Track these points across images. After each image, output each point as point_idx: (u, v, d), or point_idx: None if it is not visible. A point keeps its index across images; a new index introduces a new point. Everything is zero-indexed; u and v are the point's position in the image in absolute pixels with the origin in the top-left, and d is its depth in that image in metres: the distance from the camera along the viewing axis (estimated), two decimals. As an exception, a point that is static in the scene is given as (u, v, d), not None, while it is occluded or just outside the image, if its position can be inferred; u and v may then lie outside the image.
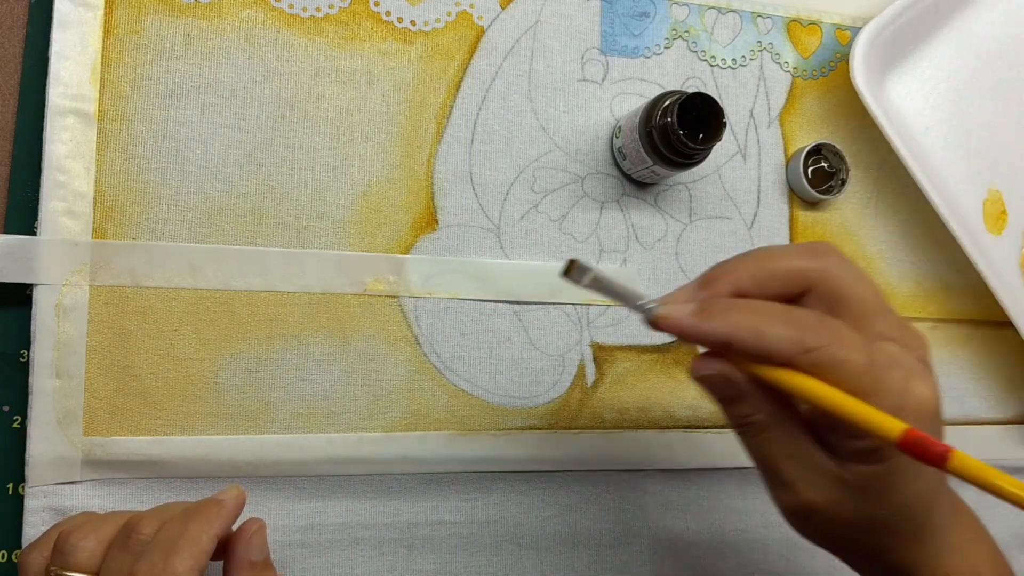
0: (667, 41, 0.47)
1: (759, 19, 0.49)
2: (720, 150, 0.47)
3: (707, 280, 0.28)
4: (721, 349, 0.27)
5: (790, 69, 0.49)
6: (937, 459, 0.24)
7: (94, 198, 0.38)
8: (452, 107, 0.44)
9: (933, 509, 0.29)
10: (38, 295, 0.37)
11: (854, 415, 0.25)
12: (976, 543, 0.31)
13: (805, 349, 0.25)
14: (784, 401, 0.28)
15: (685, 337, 0.27)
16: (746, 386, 0.27)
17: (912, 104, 0.50)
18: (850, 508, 0.28)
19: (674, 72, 0.47)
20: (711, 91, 0.47)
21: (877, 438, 0.25)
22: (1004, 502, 0.25)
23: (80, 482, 0.37)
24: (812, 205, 0.49)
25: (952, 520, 0.30)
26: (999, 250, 0.50)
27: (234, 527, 0.34)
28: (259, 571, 0.33)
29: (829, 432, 0.28)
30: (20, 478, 0.37)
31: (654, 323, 0.28)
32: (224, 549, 0.33)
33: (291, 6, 0.42)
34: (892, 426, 0.24)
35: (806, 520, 0.29)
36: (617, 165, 0.46)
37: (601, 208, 0.45)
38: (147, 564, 0.29)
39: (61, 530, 0.31)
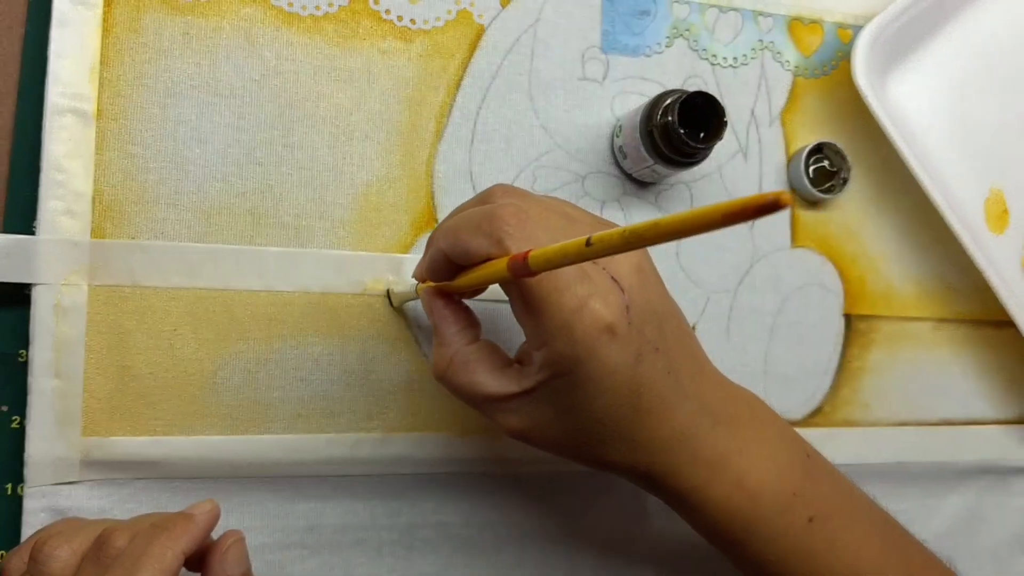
0: (668, 40, 0.47)
1: (760, 17, 0.49)
2: (721, 149, 0.47)
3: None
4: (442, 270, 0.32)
5: (791, 68, 0.49)
6: (524, 268, 0.26)
7: (93, 197, 0.38)
8: (452, 106, 0.43)
9: (644, 422, 0.31)
10: (37, 295, 0.37)
11: (483, 278, 0.29)
12: (746, 457, 0.32)
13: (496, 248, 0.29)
14: (489, 343, 0.33)
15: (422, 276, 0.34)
16: (453, 311, 0.33)
17: (914, 103, 0.50)
18: (553, 426, 0.31)
19: (675, 71, 0.47)
20: (712, 90, 0.47)
21: (509, 290, 0.30)
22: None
23: (79, 482, 0.37)
24: (813, 204, 0.49)
25: (710, 435, 0.32)
26: (1001, 249, 0.50)
27: (216, 534, 0.33)
28: None
29: (523, 360, 0.31)
30: (19, 478, 0.37)
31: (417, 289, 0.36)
32: (202, 562, 0.33)
33: (290, 4, 0.41)
34: (503, 265, 0.27)
35: (526, 442, 0.32)
36: (618, 164, 0.46)
37: (602, 207, 0.45)
38: None
39: (38, 538, 0.31)
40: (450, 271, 0.31)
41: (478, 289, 0.32)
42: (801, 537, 0.33)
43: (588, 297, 0.28)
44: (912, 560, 0.35)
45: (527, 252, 0.25)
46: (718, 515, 0.33)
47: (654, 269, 0.32)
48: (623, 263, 0.30)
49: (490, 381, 0.31)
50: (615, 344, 0.29)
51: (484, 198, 0.33)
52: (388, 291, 0.41)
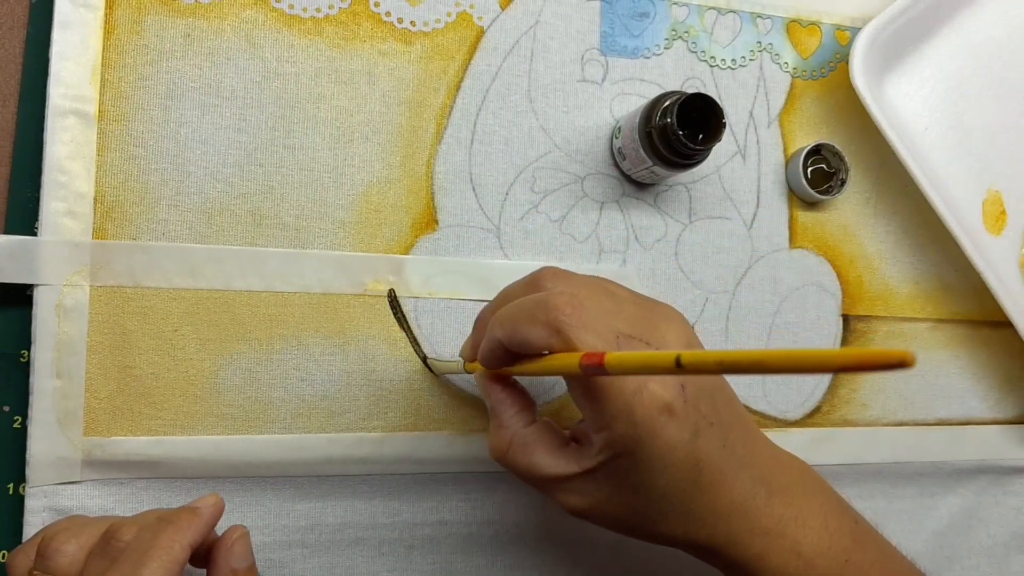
0: (667, 41, 0.47)
1: (759, 19, 0.49)
2: (720, 150, 0.47)
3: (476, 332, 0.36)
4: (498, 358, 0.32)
5: (790, 69, 0.49)
6: (600, 367, 0.26)
7: (94, 198, 0.38)
8: (452, 107, 0.44)
9: (703, 495, 0.31)
10: (39, 295, 0.37)
11: (549, 370, 0.30)
12: (801, 525, 0.33)
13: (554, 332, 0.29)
14: (546, 423, 0.33)
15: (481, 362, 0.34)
16: (513, 395, 0.34)
17: (911, 104, 0.50)
18: (615, 505, 0.31)
19: (674, 72, 0.47)
20: (711, 91, 0.47)
21: (569, 376, 0.30)
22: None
23: (80, 482, 0.37)
24: (811, 205, 0.49)
25: (767, 505, 0.32)
26: (998, 250, 0.50)
27: (219, 532, 0.34)
28: None
29: (581, 439, 0.32)
30: (21, 478, 0.37)
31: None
32: (207, 557, 0.33)
33: (291, 7, 0.42)
34: (573, 360, 0.27)
35: (587, 520, 0.33)
36: (617, 165, 0.46)
37: (601, 208, 0.45)
38: (117, 573, 0.29)
39: (44, 534, 0.31)
40: (506, 358, 0.32)
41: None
42: None
43: (646, 379, 0.29)
44: None
45: (603, 355, 0.26)
46: None
47: (701, 344, 0.33)
48: (672, 343, 0.31)
49: (550, 462, 0.32)
50: (674, 422, 0.29)
51: (532, 284, 0.33)
52: (426, 359, 0.42)
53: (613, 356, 0.25)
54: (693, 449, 0.30)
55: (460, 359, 0.38)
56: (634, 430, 0.29)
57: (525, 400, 0.34)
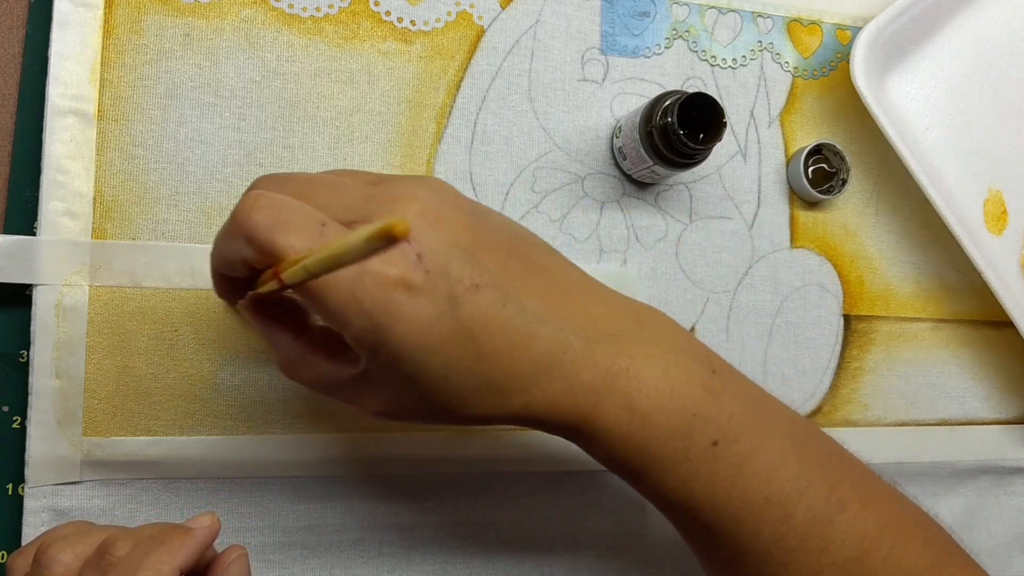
0: (667, 41, 0.47)
1: (759, 19, 0.49)
2: (720, 150, 0.47)
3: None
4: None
5: (790, 69, 0.49)
6: (283, 284, 0.25)
7: (94, 198, 0.38)
8: (452, 107, 0.44)
9: (495, 364, 0.28)
10: (38, 295, 0.37)
11: (266, 292, 0.27)
12: (633, 377, 0.29)
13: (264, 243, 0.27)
14: (320, 330, 0.30)
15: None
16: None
17: (913, 104, 0.50)
18: (407, 400, 0.28)
19: (674, 72, 0.47)
20: (711, 91, 0.47)
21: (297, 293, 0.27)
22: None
23: (80, 483, 0.37)
24: (812, 205, 0.49)
25: (585, 357, 0.29)
26: (999, 250, 0.50)
27: (220, 549, 0.33)
28: None
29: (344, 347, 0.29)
30: (20, 478, 0.37)
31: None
32: (204, 575, 0.33)
33: (291, 6, 0.41)
34: (271, 278, 0.26)
35: (394, 420, 0.30)
36: (617, 165, 0.46)
37: (601, 208, 0.45)
38: None
39: (42, 540, 0.31)
40: (238, 284, 0.29)
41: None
42: (703, 461, 0.30)
43: (365, 260, 0.25)
44: (840, 482, 0.31)
45: (279, 262, 0.25)
46: (612, 444, 0.29)
47: (455, 204, 0.28)
48: (414, 216, 0.27)
49: (330, 368, 0.29)
50: (419, 298, 0.26)
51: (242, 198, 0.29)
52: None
53: (290, 265, 0.24)
54: (457, 319, 0.26)
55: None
56: (370, 320, 0.25)
57: (290, 312, 0.31)
